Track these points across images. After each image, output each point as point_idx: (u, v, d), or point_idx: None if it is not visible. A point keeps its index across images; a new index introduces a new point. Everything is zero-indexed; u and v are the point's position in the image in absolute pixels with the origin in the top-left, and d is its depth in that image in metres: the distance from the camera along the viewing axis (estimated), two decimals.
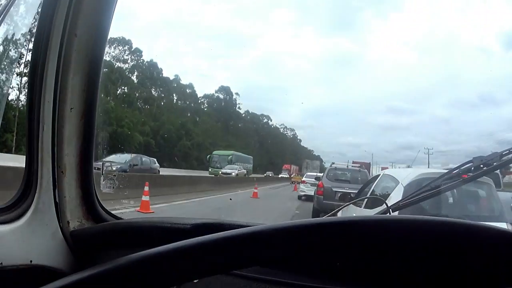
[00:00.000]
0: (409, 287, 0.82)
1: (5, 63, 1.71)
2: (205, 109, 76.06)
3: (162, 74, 66.02)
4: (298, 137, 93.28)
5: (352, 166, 12.66)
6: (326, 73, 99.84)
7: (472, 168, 1.40)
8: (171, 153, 51.93)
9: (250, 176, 37.26)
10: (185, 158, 53.24)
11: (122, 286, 0.52)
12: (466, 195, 4.16)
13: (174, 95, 69.40)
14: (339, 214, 3.10)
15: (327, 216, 1.51)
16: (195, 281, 0.92)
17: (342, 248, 0.62)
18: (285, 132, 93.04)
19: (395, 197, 3.92)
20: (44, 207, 1.16)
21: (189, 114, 70.10)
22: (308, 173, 19.51)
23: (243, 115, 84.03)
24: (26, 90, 1.19)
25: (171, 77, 68.14)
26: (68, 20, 1.11)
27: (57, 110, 1.15)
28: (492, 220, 3.81)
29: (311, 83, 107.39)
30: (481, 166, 1.37)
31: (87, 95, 1.18)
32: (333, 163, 12.81)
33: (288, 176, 52.93)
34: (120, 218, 1.35)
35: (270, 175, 51.02)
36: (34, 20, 1.27)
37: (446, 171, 4.27)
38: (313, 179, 14.59)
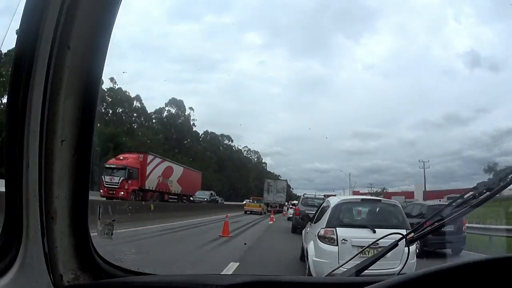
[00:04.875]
0: None
1: None
2: (154, 124, 74.85)
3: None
4: (263, 161, 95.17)
5: (316, 196, 21.68)
6: (294, 97, 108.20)
7: (477, 194, 1.59)
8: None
9: None
10: None
11: None
12: (383, 211, 7.67)
13: (120, 108, 68.65)
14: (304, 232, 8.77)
15: None
16: None
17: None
18: (249, 155, 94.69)
19: (328, 211, 7.55)
20: (32, 260, 1.13)
21: (135, 126, 68.51)
22: (292, 202, 33.29)
23: (202, 135, 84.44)
24: (6, 117, 1.11)
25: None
26: (59, 28, 1.05)
27: (45, 142, 1.09)
28: (398, 227, 6.71)
29: (280, 108, 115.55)
30: (484, 191, 1.57)
31: (81, 124, 1.12)
32: (304, 194, 22.97)
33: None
34: (123, 269, 1.36)
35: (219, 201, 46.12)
36: (11, 27, 1.18)
37: (360, 197, 8.83)
38: (293, 206, 26.18)
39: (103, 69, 1.14)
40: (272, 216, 31.13)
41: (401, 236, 1.83)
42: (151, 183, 33.91)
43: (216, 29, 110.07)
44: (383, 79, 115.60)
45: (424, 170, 51.54)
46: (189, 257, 10.82)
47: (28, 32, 1.05)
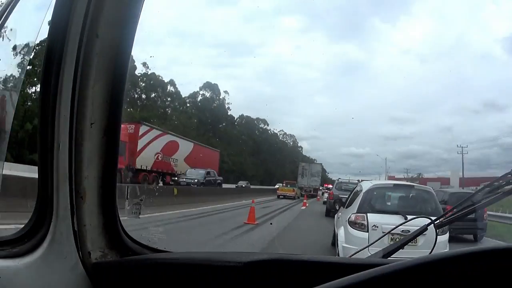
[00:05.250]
0: None
1: (12, 68, 1.68)
2: (188, 109, 74.66)
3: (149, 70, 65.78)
4: (299, 145, 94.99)
5: (350, 181, 21.82)
6: (331, 81, 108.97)
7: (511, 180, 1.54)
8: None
9: None
10: None
11: None
12: (416, 197, 7.48)
13: (153, 93, 69.30)
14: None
15: None
16: None
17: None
18: (285, 139, 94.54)
19: (359, 197, 7.52)
20: (62, 237, 1.19)
21: (169, 111, 68.20)
22: (328, 186, 35.33)
23: (237, 119, 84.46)
24: (38, 101, 1.17)
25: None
26: (88, 17, 1.09)
27: (75, 125, 1.14)
28: (431, 214, 6.62)
29: (316, 92, 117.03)
30: None
31: (110, 107, 1.17)
32: (339, 179, 24.13)
33: None
34: (149, 248, 1.40)
35: (244, 185, 44.71)
36: (45, 17, 1.22)
37: (393, 182, 8.59)
38: (327, 190, 27.22)
39: (130, 55, 1.19)
40: (305, 201, 29.60)
41: (430, 221, 1.80)
42: (145, 161, 27.17)
43: (253, 14, 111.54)
44: (420, 63, 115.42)
45: (462, 155, 50.02)
46: (205, 247, 9.56)
47: (60, 21, 1.11)
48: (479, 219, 12.41)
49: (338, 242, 7.49)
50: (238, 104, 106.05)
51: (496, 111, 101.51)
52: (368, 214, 7.00)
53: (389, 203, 7.58)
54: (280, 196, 35.93)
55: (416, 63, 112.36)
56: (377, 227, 6.73)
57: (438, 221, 1.75)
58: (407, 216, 6.43)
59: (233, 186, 42.85)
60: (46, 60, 1.14)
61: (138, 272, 1.22)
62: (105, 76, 1.14)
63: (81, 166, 1.17)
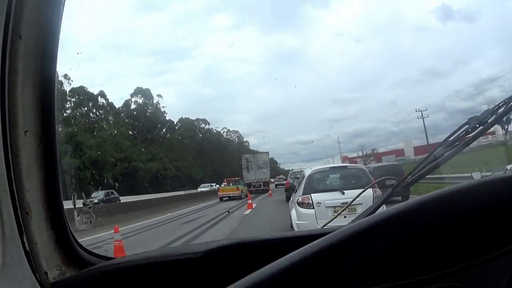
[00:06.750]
0: None
1: None
2: (120, 119, 72.57)
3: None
4: (245, 140, 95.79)
5: (302, 169, 23.07)
6: (269, 73, 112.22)
7: (469, 129, 1.59)
8: None
9: None
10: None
11: None
12: (350, 175, 9.08)
13: (83, 107, 66.68)
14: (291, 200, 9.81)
15: None
16: None
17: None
18: (229, 136, 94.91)
19: (303, 182, 9.02)
20: (13, 260, 1.12)
21: (105, 125, 65.38)
22: (279, 177, 41.49)
23: (178, 123, 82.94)
24: None
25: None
26: (10, 18, 1.06)
27: (9, 135, 1.10)
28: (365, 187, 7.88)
29: (256, 86, 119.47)
30: (477, 126, 1.57)
31: (42, 113, 1.14)
32: (292, 169, 28.23)
33: None
34: (107, 257, 1.36)
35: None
36: None
37: (329, 166, 10.27)
38: (283, 181, 31.05)
39: (56, 56, 1.15)
40: (250, 201, 22.30)
41: (397, 182, 1.82)
42: None
43: (184, 16, 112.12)
44: (355, 43, 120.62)
45: (423, 119, 50.66)
46: None
47: None
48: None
49: (292, 220, 9.01)
50: (180, 109, 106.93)
51: (439, 77, 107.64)
52: (311, 194, 8.48)
53: (328, 183, 9.25)
54: (224, 198, 31.41)
55: (351, 44, 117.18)
56: (321, 203, 8.25)
57: (404, 181, 1.77)
58: (344, 191, 8.27)
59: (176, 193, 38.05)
60: None
61: (98, 283, 1.20)
62: (33, 80, 1.11)
63: (20, 179, 1.12)
